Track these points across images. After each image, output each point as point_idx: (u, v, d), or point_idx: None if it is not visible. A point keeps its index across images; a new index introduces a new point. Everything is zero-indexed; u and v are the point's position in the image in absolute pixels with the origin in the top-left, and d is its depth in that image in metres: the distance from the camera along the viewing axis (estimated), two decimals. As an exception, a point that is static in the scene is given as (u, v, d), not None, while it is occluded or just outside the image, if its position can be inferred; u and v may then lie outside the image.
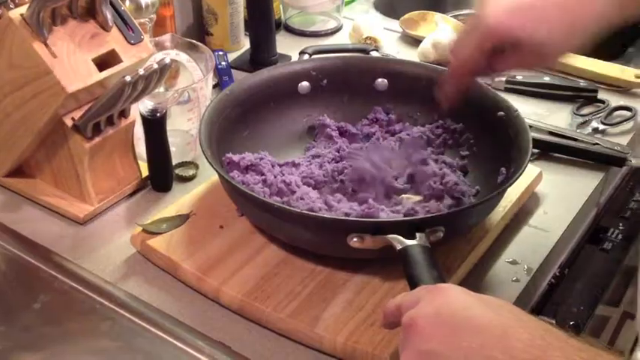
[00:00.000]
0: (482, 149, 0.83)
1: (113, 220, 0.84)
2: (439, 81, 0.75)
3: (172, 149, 0.90)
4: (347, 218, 0.71)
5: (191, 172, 0.91)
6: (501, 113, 0.80)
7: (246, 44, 1.24)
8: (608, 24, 0.68)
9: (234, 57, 1.21)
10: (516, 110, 0.80)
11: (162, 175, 0.88)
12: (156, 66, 0.73)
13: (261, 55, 1.18)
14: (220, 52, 1.17)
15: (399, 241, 0.64)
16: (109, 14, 0.77)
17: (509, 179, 0.72)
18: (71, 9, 0.75)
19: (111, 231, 0.82)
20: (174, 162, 0.90)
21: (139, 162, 0.89)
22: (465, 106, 0.79)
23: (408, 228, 0.65)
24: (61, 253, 0.78)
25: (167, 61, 0.75)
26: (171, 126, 0.95)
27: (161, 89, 1.00)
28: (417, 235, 0.64)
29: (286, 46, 1.23)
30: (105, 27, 0.77)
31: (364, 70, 0.92)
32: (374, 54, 1.02)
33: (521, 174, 0.71)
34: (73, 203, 0.83)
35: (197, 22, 1.23)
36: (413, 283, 0.59)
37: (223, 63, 1.16)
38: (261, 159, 0.82)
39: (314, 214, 0.71)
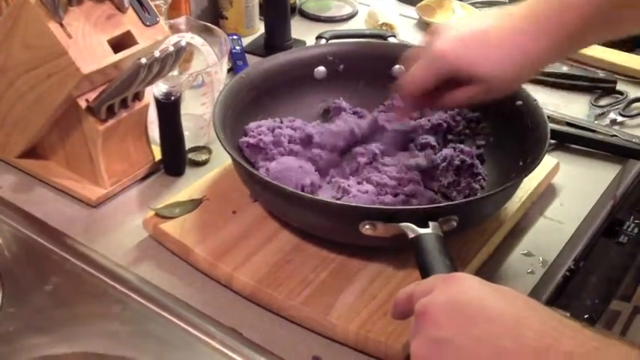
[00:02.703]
0: (499, 139, 0.82)
1: (126, 203, 0.84)
2: (400, 95, 0.77)
3: (186, 133, 0.90)
4: (360, 205, 0.70)
5: (204, 157, 0.91)
6: (519, 102, 0.79)
7: (260, 29, 1.22)
8: (557, 58, 0.71)
9: (248, 41, 1.20)
10: (535, 100, 0.79)
11: (176, 159, 0.87)
12: (172, 48, 0.73)
13: (275, 39, 1.17)
14: (235, 37, 1.16)
15: (411, 229, 0.63)
16: (125, -5, 0.76)
17: (526, 170, 0.71)
18: (87, -11, 0.75)
19: (123, 214, 0.82)
20: (187, 146, 0.90)
21: (153, 146, 0.88)
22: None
23: (421, 216, 0.64)
24: (73, 236, 0.78)
25: (183, 43, 0.74)
26: (185, 110, 0.95)
27: (175, 73, 1.00)
28: (430, 223, 0.63)
29: (301, 31, 1.22)
30: (121, 8, 0.77)
31: (382, 57, 0.91)
32: (392, 40, 1.00)
33: (537, 165, 0.70)
34: (85, 186, 0.83)
35: (212, 5, 1.22)
36: (425, 272, 0.58)
37: (237, 47, 1.15)
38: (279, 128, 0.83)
39: (327, 200, 0.70)
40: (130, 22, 0.77)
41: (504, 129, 0.81)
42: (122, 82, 0.73)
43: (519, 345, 0.44)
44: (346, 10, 1.31)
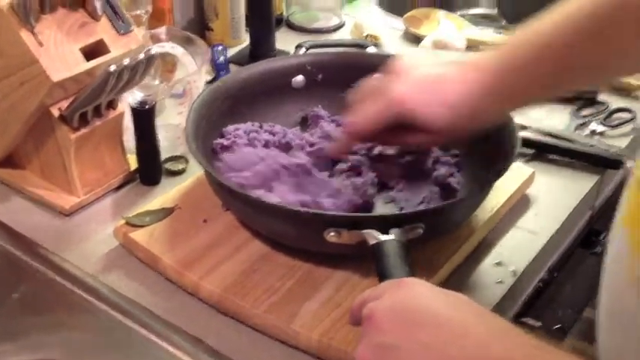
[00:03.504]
0: (473, 148, 0.82)
1: (99, 212, 0.84)
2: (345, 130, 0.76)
3: (163, 143, 0.90)
4: (324, 212, 0.70)
5: (180, 167, 0.91)
6: None
7: (247, 40, 1.23)
8: (506, 112, 0.72)
9: (234, 52, 1.20)
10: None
11: (151, 168, 0.88)
12: (142, 56, 0.73)
13: (260, 50, 1.17)
14: (220, 47, 1.16)
15: (373, 236, 0.63)
16: (98, 3, 0.77)
17: (493, 178, 0.71)
18: (60, -3, 0.75)
19: (96, 223, 0.82)
20: (164, 156, 0.90)
21: (128, 155, 0.88)
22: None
23: (384, 223, 0.64)
24: (44, 244, 0.78)
25: (153, 52, 0.74)
26: (164, 120, 0.96)
27: (156, 82, 1.01)
28: (393, 230, 0.63)
29: (288, 42, 1.22)
30: (94, 16, 0.77)
31: (360, 66, 0.91)
32: (371, 50, 1.01)
33: (503, 173, 0.70)
34: (59, 194, 0.83)
35: (198, 16, 1.23)
36: (382, 279, 0.58)
37: (222, 58, 1.15)
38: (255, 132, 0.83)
39: (291, 207, 0.70)
40: (103, 30, 0.78)
41: (478, 139, 0.81)
42: (92, 90, 0.74)
43: (464, 352, 0.44)
44: (333, 22, 1.32)
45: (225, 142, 0.80)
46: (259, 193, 0.72)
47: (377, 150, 0.82)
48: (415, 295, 0.49)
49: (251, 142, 0.81)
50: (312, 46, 0.96)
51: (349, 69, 0.91)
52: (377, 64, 0.91)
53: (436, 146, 0.78)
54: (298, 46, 0.99)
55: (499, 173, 0.71)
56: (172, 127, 0.95)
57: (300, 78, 0.91)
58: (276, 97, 0.89)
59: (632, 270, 0.45)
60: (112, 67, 0.71)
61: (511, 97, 0.68)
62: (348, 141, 0.76)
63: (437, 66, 0.70)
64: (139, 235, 0.76)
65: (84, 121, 0.79)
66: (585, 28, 0.62)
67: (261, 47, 1.18)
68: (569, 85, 0.74)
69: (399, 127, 0.70)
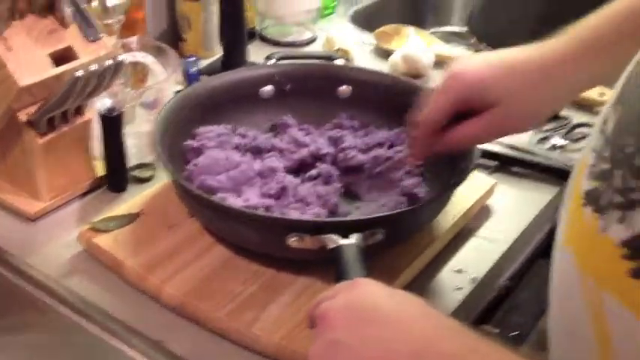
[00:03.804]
0: (437, 158, 0.84)
1: (65, 217, 0.84)
2: (409, 138, 0.75)
3: (132, 150, 0.91)
4: (286, 217, 0.71)
5: (148, 174, 0.91)
6: None
7: (220, 51, 1.24)
8: (580, 92, 0.70)
9: (207, 64, 1.22)
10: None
11: (118, 175, 0.88)
12: (110, 63, 0.74)
13: (232, 62, 1.19)
14: (192, 58, 1.18)
15: (332, 240, 0.64)
16: (67, 11, 0.78)
17: (453, 185, 0.72)
18: (31, 3, 0.76)
19: (61, 228, 0.82)
20: (133, 163, 0.91)
21: (96, 161, 0.89)
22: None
23: (345, 228, 0.65)
24: (9, 249, 0.78)
25: (121, 58, 0.75)
26: (134, 128, 0.96)
27: (127, 90, 1.02)
28: (352, 235, 0.64)
29: (260, 54, 1.22)
30: (63, 23, 0.78)
31: (328, 77, 0.93)
32: (339, 62, 1.02)
33: (460, 182, 0.72)
34: (25, 199, 0.84)
35: (171, 27, 1.24)
36: (338, 281, 0.59)
37: (194, 68, 1.16)
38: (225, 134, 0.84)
39: (253, 212, 0.71)
40: (72, 37, 0.79)
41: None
42: (59, 95, 0.75)
43: (405, 346, 0.45)
44: (306, 36, 1.34)
45: (195, 143, 0.81)
46: (225, 197, 0.73)
47: (352, 161, 0.84)
48: (366, 293, 0.50)
49: (221, 145, 0.82)
50: (281, 58, 0.98)
51: (317, 80, 0.93)
52: (344, 75, 0.94)
53: (502, 133, 0.72)
54: (268, 57, 1.00)
55: (457, 182, 0.72)
56: (142, 135, 0.96)
57: (268, 88, 0.92)
58: (245, 106, 0.91)
59: (582, 287, 0.45)
60: (80, 73, 0.72)
61: (588, 84, 0.68)
62: (422, 138, 0.71)
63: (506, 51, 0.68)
64: (102, 240, 0.76)
65: (51, 126, 0.80)
66: None
67: (233, 59, 1.19)
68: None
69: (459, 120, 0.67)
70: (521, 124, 0.69)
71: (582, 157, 0.49)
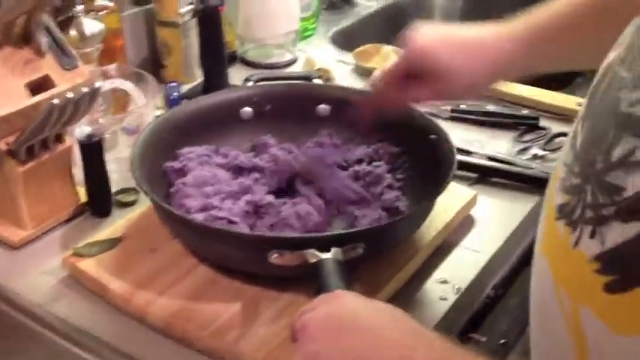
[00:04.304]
0: (417, 172, 0.85)
1: (49, 244, 0.84)
2: (358, 102, 0.78)
3: (114, 176, 0.91)
4: (266, 234, 0.72)
5: (131, 198, 0.92)
6: (433, 136, 0.82)
7: (201, 76, 1.25)
8: (523, 70, 0.75)
9: (188, 89, 1.22)
10: (446, 133, 0.82)
11: (101, 200, 0.89)
12: (85, 90, 0.75)
13: (213, 86, 1.19)
14: (173, 84, 1.19)
15: (313, 254, 0.65)
16: (43, 40, 0.79)
17: (429, 198, 0.73)
18: (6, 35, 0.77)
19: (45, 255, 0.82)
20: (115, 188, 0.91)
21: (79, 187, 0.89)
22: (402, 130, 0.81)
23: (326, 243, 0.66)
24: (-7, 277, 0.78)
25: (97, 85, 0.76)
26: (116, 154, 0.97)
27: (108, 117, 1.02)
28: (332, 249, 0.65)
29: (241, 77, 1.24)
30: (39, 53, 0.79)
31: (306, 96, 0.94)
32: (317, 81, 1.04)
33: (439, 193, 0.73)
34: (8, 228, 0.84)
35: (151, 54, 1.25)
36: (319, 294, 0.59)
37: (175, 94, 1.17)
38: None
39: (234, 230, 0.72)
40: (48, 66, 0.79)
41: (421, 162, 0.84)
42: (37, 123, 0.75)
43: (377, 355, 0.46)
44: (287, 58, 1.35)
45: (176, 164, 0.82)
46: (205, 217, 0.74)
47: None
48: (344, 304, 0.51)
49: (202, 165, 0.83)
50: (259, 79, 0.99)
51: (296, 99, 0.94)
52: (322, 94, 0.95)
53: (451, 98, 0.83)
54: (246, 80, 1.02)
55: (434, 194, 0.73)
56: (124, 161, 0.96)
57: (248, 109, 0.93)
58: (226, 128, 0.92)
59: (559, 299, 0.46)
60: (55, 101, 0.73)
61: (538, 66, 0.74)
62: (374, 98, 0.80)
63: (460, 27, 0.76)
64: (86, 265, 0.77)
65: (31, 154, 0.81)
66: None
67: (214, 83, 1.20)
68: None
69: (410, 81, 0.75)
70: (461, 89, 0.75)
71: (555, 169, 0.50)
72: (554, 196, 0.47)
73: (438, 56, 0.73)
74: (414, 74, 0.74)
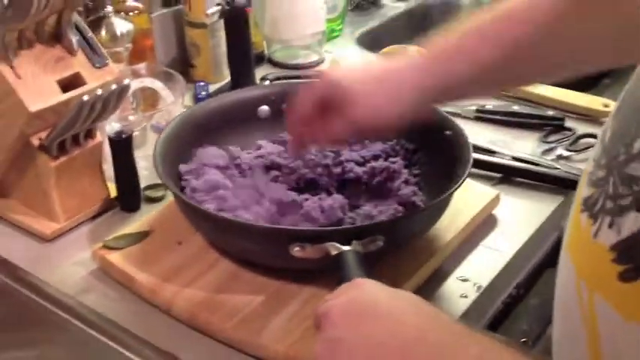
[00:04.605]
0: (433, 168, 0.86)
1: (79, 237, 0.87)
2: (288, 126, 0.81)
3: (144, 172, 0.93)
4: (287, 227, 0.74)
5: (160, 194, 0.94)
6: (449, 132, 0.83)
7: (229, 76, 1.27)
8: (438, 94, 0.73)
9: (216, 88, 1.24)
10: (461, 129, 0.83)
11: (130, 195, 0.91)
12: (114, 87, 0.77)
13: (240, 86, 1.21)
14: (202, 83, 1.21)
15: (335, 247, 0.66)
16: (74, 39, 0.81)
17: (447, 191, 0.74)
18: (38, 33, 0.79)
19: (76, 247, 0.85)
20: (145, 184, 0.93)
21: (109, 183, 0.92)
22: (417, 127, 0.82)
23: (346, 236, 0.67)
24: (25, 268, 0.81)
25: (125, 82, 0.78)
26: (146, 151, 0.99)
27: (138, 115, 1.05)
28: (354, 242, 0.66)
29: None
30: (70, 51, 0.81)
31: None
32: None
33: (457, 187, 0.73)
34: (41, 221, 0.86)
35: (180, 54, 1.28)
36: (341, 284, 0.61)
37: (203, 93, 1.19)
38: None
39: (256, 224, 0.73)
40: (79, 64, 0.82)
41: (438, 158, 0.85)
42: (68, 119, 0.77)
43: (394, 339, 0.47)
44: (313, 58, 1.36)
45: (194, 165, 0.84)
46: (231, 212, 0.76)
47: (350, 173, 0.86)
48: (366, 291, 0.52)
49: (221, 166, 0.84)
50: (276, 78, 1.00)
51: None
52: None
53: (354, 139, 0.83)
54: (263, 79, 1.03)
55: (451, 188, 0.74)
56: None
57: (265, 108, 0.95)
58: (243, 126, 0.93)
59: (578, 292, 0.47)
60: (86, 98, 0.75)
61: (445, 95, 0.73)
62: (291, 129, 0.80)
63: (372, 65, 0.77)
64: (115, 258, 0.79)
65: (63, 150, 0.83)
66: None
67: (240, 83, 1.21)
68: (509, 83, 0.79)
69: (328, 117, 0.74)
70: (373, 122, 0.73)
71: (586, 165, 0.50)
72: (582, 190, 0.48)
73: (345, 86, 0.72)
74: (326, 108, 0.74)
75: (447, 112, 0.89)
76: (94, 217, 0.90)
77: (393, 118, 0.72)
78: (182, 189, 0.83)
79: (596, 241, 0.44)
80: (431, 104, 0.76)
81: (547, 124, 1.10)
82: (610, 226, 0.43)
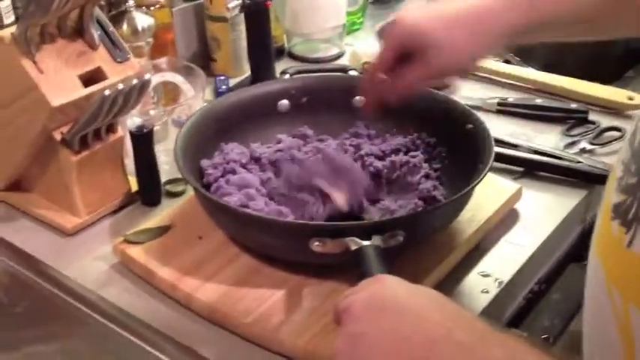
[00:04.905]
0: (453, 162, 0.85)
1: (101, 231, 0.87)
2: (360, 87, 0.80)
3: (165, 167, 0.94)
4: (308, 222, 0.73)
5: (180, 188, 0.94)
6: (470, 126, 0.82)
7: (249, 70, 1.27)
8: (522, 34, 0.72)
9: (236, 82, 1.25)
10: (483, 122, 0.82)
11: (151, 190, 0.91)
12: (135, 81, 0.77)
13: (260, 80, 1.21)
14: (222, 77, 1.21)
15: (355, 242, 0.66)
16: (95, 34, 0.81)
17: (468, 185, 0.73)
18: (60, 28, 0.80)
19: (97, 242, 0.85)
20: (165, 178, 0.94)
21: (130, 177, 0.92)
22: (438, 120, 0.82)
23: (366, 230, 0.67)
24: (47, 262, 0.81)
25: (146, 77, 0.78)
26: (167, 145, 0.99)
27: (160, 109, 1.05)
28: (374, 237, 0.66)
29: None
30: (92, 46, 0.82)
31: (342, 88, 0.95)
32: (352, 73, 1.05)
33: (477, 182, 0.73)
34: (63, 215, 0.87)
35: (201, 48, 1.28)
36: (362, 280, 0.60)
37: (224, 87, 1.20)
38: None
39: (276, 218, 0.73)
40: (100, 58, 0.82)
41: (459, 152, 0.84)
42: (89, 114, 0.78)
43: (417, 335, 0.47)
44: (333, 51, 1.36)
45: (216, 159, 0.84)
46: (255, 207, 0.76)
47: (370, 167, 0.86)
48: (387, 287, 0.52)
49: (242, 161, 0.84)
50: (296, 72, 1.00)
51: (331, 91, 0.95)
52: (357, 86, 0.96)
53: (443, 75, 0.80)
54: (283, 72, 1.03)
55: (472, 182, 0.73)
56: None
57: (285, 102, 0.94)
58: (263, 120, 0.93)
59: (612, 299, 0.46)
60: (107, 92, 0.75)
61: (527, 35, 0.72)
62: (372, 82, 0.79)
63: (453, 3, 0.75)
64: (136, 252, 0.79)
65: (84, 144, 0.83)
66: None
67: (261, 77, 1.21)
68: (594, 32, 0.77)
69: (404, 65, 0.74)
70: (453, 63, 0.74)
71: (614, 168, 0.49)
72: (611, 195, 0.47)
73: (427, 31, 0.72)
74: (406, 56, 0.74)
75: (469, 106, 0.88)
76: (115, 212, 0.90)
77: (477, 59, 0.74)
78: (206, 186, 0.83)
79: (630, 251, 0.43)
80: (512, 42, 0.77)
81: (570, 117, 1.09)
82: None
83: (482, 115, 0.86)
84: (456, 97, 0.91)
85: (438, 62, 0.72)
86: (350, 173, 0.81)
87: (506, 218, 0.88)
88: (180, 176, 0.95)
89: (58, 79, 0.78)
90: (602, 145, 1.03)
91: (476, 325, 0.47)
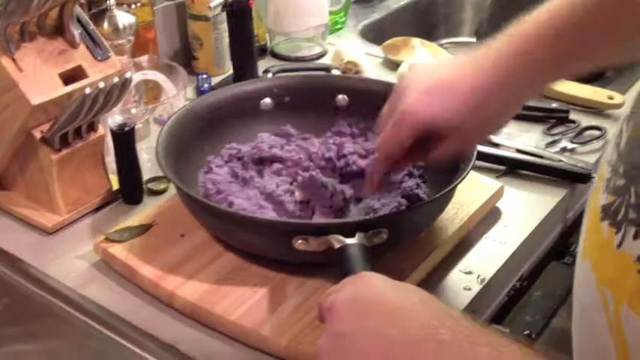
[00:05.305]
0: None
1: (81, 229, 0.87)
2: (366, 170, 0.78)
3: (146, 165, 0.93)
4: (291, 220, 0.73)
5: (162, 186, 0.94)
6: None
7: (231, 68, 1.27)
8: (525, 99, 0.70)
9: (218, 80, 1.24)
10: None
11: (132, 188, 0.91)
12: (116, 80, 0.77)
13: (242, 78, 1.21)
14: (204, 76, 1.20)
15: (338, 240, 0.66)
16: (76, 32, 0.81)
17: (451, 184, 0.74)
18: (40, 26, 0.79)
19: (78, 240, 0.84)
20: (148, 176, 0.93)
21: (112, 175, 0.91)
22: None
23: (349, 228, 0.67)
24: (27, 260, 0.81)
25: (127, 75, 0.78)
26: (149, 143, 0.99)
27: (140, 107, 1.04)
28: (358, 235, 0.66)
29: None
30: (72, 44, 0.81)
31: (325, 87, 0.95)
32: (334, 72, 1.05)
33: (460, 181, 0.73)
34: (43, 214, 0.86)
35: (183, 46, 1.27)
36: (344, 277, 0.60)
37: (206, 85, 1.19)
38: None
39: (259, 217, 0.73)
40: (81, 57, 0.81)
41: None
42: (70, 112, 0.77)
43: (404, 335, 0.46)
44: (316, 50, 1.36)
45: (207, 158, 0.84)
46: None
47: (353, 166, 0.86)
48: (370, 285, 0.51)
49: (226, 161, 0.84)
50: (278, 71, 1.00)
51: (314, 90, 0.96)
52: (340, 85, 0.96)
53: (467, 149, 0.76)
54: (265, 71, 1.03)
55: (456, 181, 0.73)
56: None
57: (268, 100, 0.94)
58: (245, 119, 0.93)
59: (603, 301, 0.46)
60: (88, 90, 0.74)
61: (523, 88, 0.68)
62: (380, 169, 0.74)
63: (441, 69, 0.70)
64: (117, 250, 0.79)
65: (65, 142, 0.83)
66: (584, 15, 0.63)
67: (243, 75, 1.21)
68: (577, 68, 0.71)
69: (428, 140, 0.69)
70: (482, 136, 0.73)
71: (600, 169, 0.49)
72: (599, 196, 0.47)
73: (442, 122, 0.67)
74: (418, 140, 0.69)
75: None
76: (96, 210, 0.89)
77: (501, 124, 0.72)
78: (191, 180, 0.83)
79: (620, 252, 0.43)
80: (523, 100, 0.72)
81: (551, 116, 1.10)
82: (636, 236, 0.42)
83: (464, 114, 0.86)
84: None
85: (464, 139, 0.70)
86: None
87: (488, 216, 0.88)
88: (161, 174, 0.95)
89: (38, 77, 0.77)
90: (583, 144, 1.04)
91: (462, 324, 0.47)
